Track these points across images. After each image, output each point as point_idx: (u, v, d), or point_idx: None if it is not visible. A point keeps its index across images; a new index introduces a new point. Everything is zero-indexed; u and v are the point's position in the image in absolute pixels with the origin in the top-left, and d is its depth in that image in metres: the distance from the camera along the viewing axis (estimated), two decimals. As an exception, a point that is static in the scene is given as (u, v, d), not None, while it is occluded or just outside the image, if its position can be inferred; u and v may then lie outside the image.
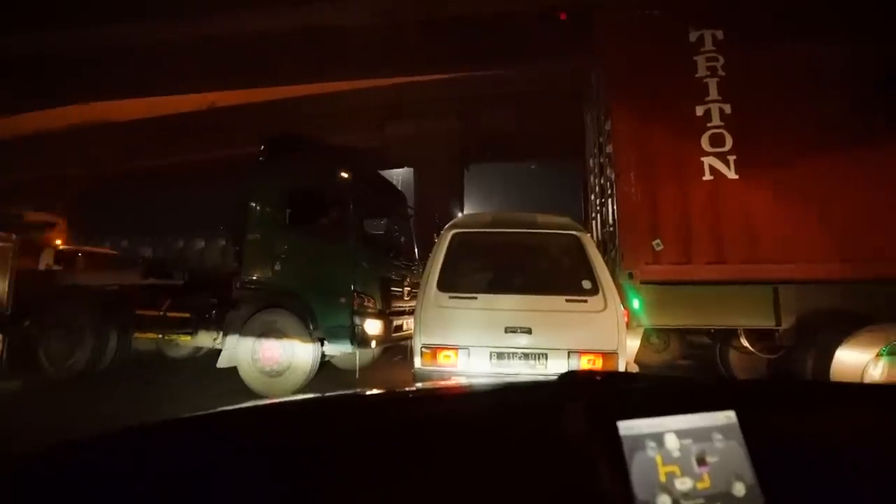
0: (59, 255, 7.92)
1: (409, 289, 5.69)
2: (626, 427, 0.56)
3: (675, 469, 0.55)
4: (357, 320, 4.84)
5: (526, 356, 3.42)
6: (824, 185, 4.18)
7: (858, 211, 4.10)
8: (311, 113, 14.11)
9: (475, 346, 3.43)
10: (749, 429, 0.59)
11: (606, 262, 4.05)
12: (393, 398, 0.91)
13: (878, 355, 2.84)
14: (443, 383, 1.61)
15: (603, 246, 5.21)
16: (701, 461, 0.56)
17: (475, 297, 3.54)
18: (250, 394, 4.79)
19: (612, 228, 4.91)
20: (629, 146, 4.54)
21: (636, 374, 2.18)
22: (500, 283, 3.69)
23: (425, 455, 0.59)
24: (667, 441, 0.56)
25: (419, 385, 1.92)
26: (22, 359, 5.08)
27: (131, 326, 5.55)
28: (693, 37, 4.51)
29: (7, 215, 6.95)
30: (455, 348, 3.45)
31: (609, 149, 4.97)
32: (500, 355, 3.43)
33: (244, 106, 14.33)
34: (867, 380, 3.13)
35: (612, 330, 3.40)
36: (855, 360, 3.28)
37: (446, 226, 3.85)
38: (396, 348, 5.91)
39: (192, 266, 6.56)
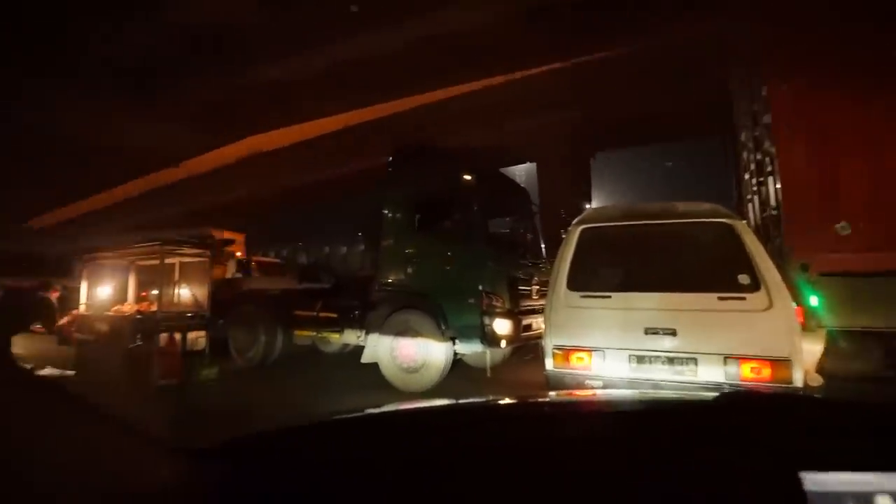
0: (239, 265, 9.51)
1: (537, 287, 5.58)
2: (816, 482, 0.44)
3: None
4: (486, 320, 4.90)
5: (671, 360, 3.09)
6: None
7: None
8: (434, 119, 14.75)
9: (611, 348, 3.21)
10: None
11: (769, 253, 3.45)
12: (526, 412, 0.88)
13: None
14: (577, 395, 1.50)
15: (764, 233, 4.45)
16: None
17: (609, 296, 3.32)
18: (390, 388, 5.17)
19: (774, 212, 4.17)
20: (794, 112, 3.79)
21: (823, 399, 1.75)
22: (637, 281, 3.39)
23: (554, 479, 0.55)
24: (882, 505, 0.43)
25: (552, 395, 1.83)
26: (218, 351, 6.21)
27: (292, 325, 6.40)
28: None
29: (202, 234, 8.58)
30: (589, 350, 3.27)
31: (766, 118, 4.23)
32: (640, 359, 3.15)
33: (375, 122, 15.59)
34: None
35: (781, 332, 2.89)
36: None
37: (574, 221, 3.67)
38: (527, 347, 5.84)
39: (337, 270, 7.31)
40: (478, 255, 5.09)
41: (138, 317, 5.57)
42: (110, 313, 5.90)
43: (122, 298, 6.38)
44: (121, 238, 9.13)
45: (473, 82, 13.99)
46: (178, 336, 5.38)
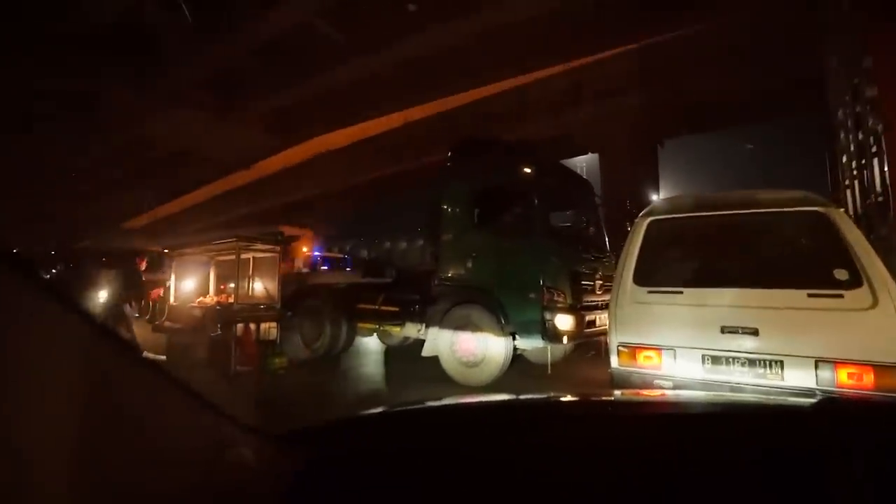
0: (306, 260, 9.99)
1: (601, 282, 5.37)
2: None
3: None
4: (547, 315, 4.79)
5: (752, 363, 2.84)
6: None
7: None
8: (490, 112, 14.62)
9: (683, 346, 3.01)
10: None
11: (875, 245, 3.06)
12: (588, 410, 0.84)
13: None
14: (644, 394, 1.41)
15: (866, 223, 3.96)
16: None
17: (680, 292, 3.11)
18: (450, 381, 5.21)
19: (880, 198, 3.69)
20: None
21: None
22: (712, 276, 3.14)
23: (613, 483, 0.51)
24: None
25: (618, 393, 1.73)
26: (288, 342, 6.58)
27: (356, 318, 6.64)
28: None
29: (272, 231, 9.11)
30: (658, 349, 3.09)
31: (870, 92, 3.74)
32: (715, 359, 2.93)
33: (433, 117, 15.74)
34: None
35: (887, 333, 2.56)
36: None
37: (641, 213, 3.47)
38: (589, 343, 5.66)
39: (398, 265, 7.48)
40: (538, 250, 4.98)
41: (218, 308, 6.02)
42: (195, 304, 6.44)
43: (204, 291, 6.93)
44: (202, 236, 9.97)
45: (532, 73, 13.69)
46: (252, 326, 5.75)
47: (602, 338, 4.67)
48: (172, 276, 7.16)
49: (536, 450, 0.62)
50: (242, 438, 0.62)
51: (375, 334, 7.18)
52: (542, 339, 4.83)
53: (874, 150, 3.70)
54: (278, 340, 6.06)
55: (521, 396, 1.00)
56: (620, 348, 3.23)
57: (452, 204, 5.75)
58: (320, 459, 0.67)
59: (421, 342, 5.68)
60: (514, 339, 5.05)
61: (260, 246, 6.49)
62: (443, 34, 11.86)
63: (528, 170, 5.21)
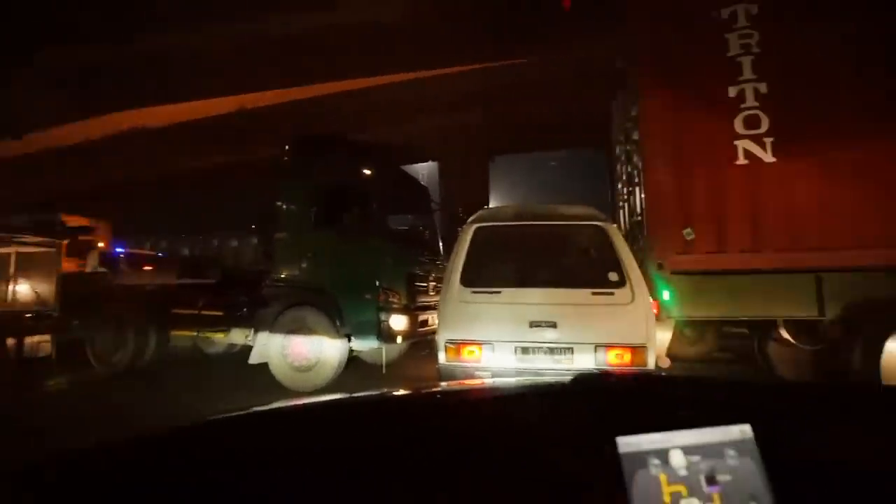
0: (104, 258, 8.32)
1: (434, 283, 5.69)
2: (627, 444, 0.52)
3: (682, 489, 0.51)
4: (383, 316, 4.89)
5: (551, 351, 3.37)
6: (869, 166, 3.89)
7: None
8: (336, 110, 14.27)
9: (499, 341, 3.41)
10: (767, 444, 0.54)
11: (636, 253, 3.92)
12: (388, 404, 0.90)
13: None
14: (446, 386, 1.57)
15: (632, 236, 5.05)
16: (711, 480, 0.52)
17: (499, 292, 3.51)
18: (281, 388, 4.92)
19: (640, 218, 4.75)
20: (657, 131, 4.36)
21: (649, 376, 2.08)
22: (524, 277, 3.64)
23: (411, 468, 0.57)
24: (672, 458, 0.52)
25: (430, 386, 1.90)
26: (73, 357, 5.36)
27: (169, 324, 5.78)
28: (725, 13, 4.27)
29: (48, 220, 7.31)
30: (479, 343, 3.43)
31: (636, 135, 4.80)
32: (524, 350, 3.39)
33: (274, 107, 14.62)
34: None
35: (640, 323, 3.31)
36: (907, 352, 3.07)
37: (468, 220, 3.82)
38: (424, 343, 5.93)
39: (226, 265, 6.77)
40: (375, 251, 5.06)
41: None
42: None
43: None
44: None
45: (378, 77, 13.83)
46: (11, 341, 4.49)
47: (434, 336, 4.96)
48: None
49: (352, 444, 0.64)
50: None
51: (195, 342, 6.34)
52: (378, 339, 4.91)
53: (637, 181, 4.78)
54: (53, 356, 4.87)
55: (343, 397, 1.01)
56: (447, 345, 3.49)
57: (288, 201, 5.45)
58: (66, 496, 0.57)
59: (250, 349, 5.24)
60: (349, 340, 5.02)
61: (29, 238, 5.14)
62: (287, 21, 11.17)
63: (367, 171, 5.25)
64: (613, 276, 3.45)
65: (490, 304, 3.48)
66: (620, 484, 0.49)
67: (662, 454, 0.52)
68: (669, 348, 4.63)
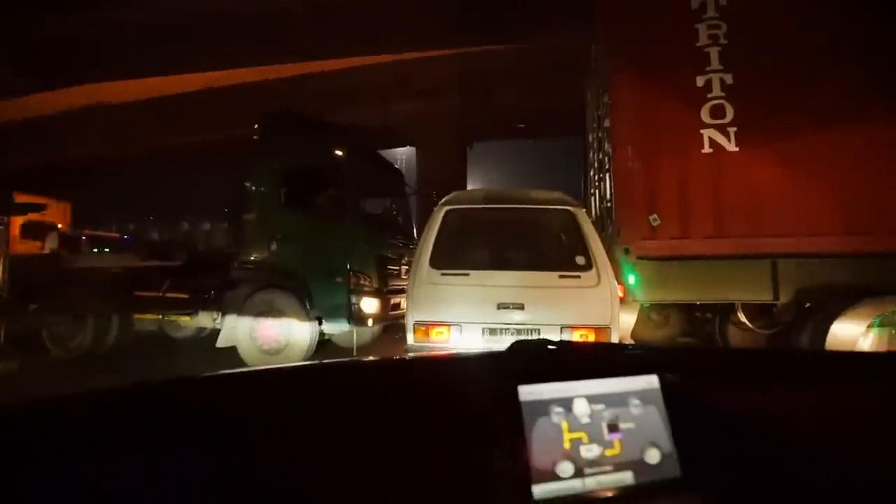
0: (64, 239, 8.00)
1: (406, 267, 5.68)
2: (528, 392, 0.53)
3: (583, 436, 0.52)
4: (353, 299, 4.87)
5: (519, 332, 3.41)
6: (825, 158, 4.05)
7: (859, 184, 3.98)
8: (313, 91, 13.92)
9: (467, 322, 3.43)
10: (672, 394, 0.56)
11: (605, 238, 3.99)
12: (324, 369, 0.90)
13: (869, 326, 2.79)
14: (393, 357, 1.59)
15: (601, 221, 5.14)
16: (613, 427, 0.54)
17: (468, 274, 3.53)
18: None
19: (609, 204, 4.83)
20: (627, 119, 4.42)
21: (582, 343, 2.14)
22: (494, 260, 3.67)
23: (334, 425, 0.57)
24: (576, 406, 0.54)
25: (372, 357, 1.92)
26: (27, 341, 5.15)
27: (132, 308, 5.61)
28: (695, 3, 4.33)
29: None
30: (447, 325, 3.45)
31: (607, 122, 4.85)
32: (492, 331, 3.42)
33: (246, 85, 14.18)
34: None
35: (604, 305, 3.38)
36: (849, 332, 3.24)
37: (439, 203, 3.81)
38: (397, 326, 5.94)
39: (196, 247, 6.59)
40: (347, 233, 5.01)
41: None
42: None
43: None
44: None
45: (355, 58, 13.54)
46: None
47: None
48: None
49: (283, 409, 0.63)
50: None
51: (161, 326, 6.18)
52: (349, 322, 4.89)
53: (607, 167, 4.85)
54: (1, 339, 4.65)
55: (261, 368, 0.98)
56: (416, 326, 3.50)
57: (259, 182, 5.33)
58: None
59: (218, 333, 5.15)
60: (320, 323, 4.99)
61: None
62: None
63: (340, 152, 5.17)
64: (580, 260, 3.51)
65: (459, 286, 3.49)
66: (520, 431, 0.51)
67: (566, 402, 0.54)
68: (636, 332, 4.77)
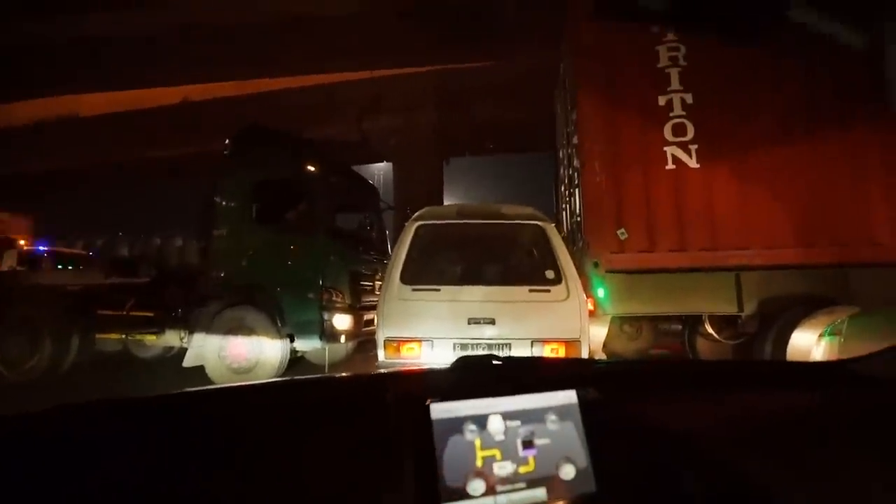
0: (23, 257, 7.70)
1: (379, 283, 5.64)
2: (441, 410, 0.53)
3: (496, 453, 0.53)
4: (325, 315, 4.79)
5: (490, 346, 3.40)
6: (783, 173, 4.24)
7: (817, 198, 4.17)
8: (289, 106, 13.89)
9: (438, 337, 3.41)
10: (590, 409, 0.57)
11: (574, 253, 4.05)
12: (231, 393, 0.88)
13: (821, 336, 2.90)
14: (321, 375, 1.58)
15: (572, 236, 5.23)
16: (528, 444, 0.54)
17: (438, 290, 3.52)
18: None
19: (579, 218, 4.92)
20: (594, 136, 4.54)
21: (523, 358, 2.18)
22: (464, 275, 3.68)
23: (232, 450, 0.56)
24: (490, 424, 0.54)
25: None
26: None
27: (93, 327, 5.40)
28: (655, 27, 4.51)
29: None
30: (419, 340, 3.43)
31: (575, 139, 4.98)
32: (463, 346, 3.41)
33: (220, 100, 14.06)
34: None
35: (574, 318, 3.41)
36: (806, 342, 3.35)
37: (411, 218, 3.82)
38: (371, 343, 5.85)
39: (166, 263, 6.41)
40: (319, 248, 4.95)
41: None
42: None
43: None
44: None
45: (332, 74, 13.61)
46: None
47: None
48: None
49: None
50: None
51: (125, 346, 5.95)
52: (321, 339, 4.81)
53: (577, 183, 4.96)
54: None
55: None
56: (387, 342, 3.46)
57: (229, 197, 5.24)
58: None
59: (185, 351, 4.99)
60: (291, 340, 4.89)
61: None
62: (242, 9, 10.75)
63: (312, 167, 5.14)
64: (550, 274, 3.54)
65: (430, 302, 3.48)
66: (430, 450, 0.51)
67: (481, 420, 0.54)
68: (607, 344, 4.82)
